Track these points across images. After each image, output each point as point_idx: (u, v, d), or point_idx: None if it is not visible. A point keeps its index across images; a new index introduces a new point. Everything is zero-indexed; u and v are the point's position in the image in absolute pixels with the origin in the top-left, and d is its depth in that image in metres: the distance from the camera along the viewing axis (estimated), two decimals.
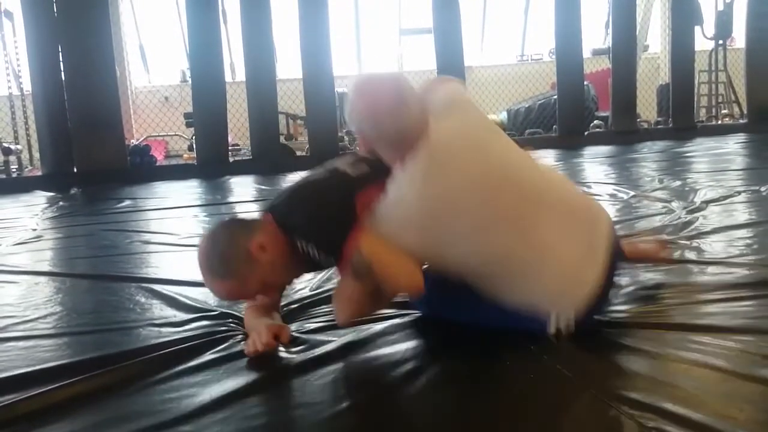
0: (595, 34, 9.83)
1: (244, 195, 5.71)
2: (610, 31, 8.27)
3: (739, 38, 9.23)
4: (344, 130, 8.63)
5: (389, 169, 1.88)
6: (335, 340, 1.98)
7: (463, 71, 8.09)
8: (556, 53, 8.22)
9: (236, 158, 8.17)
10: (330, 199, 1.92)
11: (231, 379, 1.83)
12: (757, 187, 4.11)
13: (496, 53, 11.46)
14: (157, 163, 7.97)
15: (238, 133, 8.50)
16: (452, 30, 7.95)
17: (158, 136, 9.04)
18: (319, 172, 2.06)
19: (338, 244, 1.83)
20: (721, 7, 8.90)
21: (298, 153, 8.24)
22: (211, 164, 7.25)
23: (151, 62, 10.61)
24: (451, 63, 7.94)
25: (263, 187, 6.14)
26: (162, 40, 10.44)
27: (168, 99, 9.63)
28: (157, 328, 2.26)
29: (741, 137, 7.67)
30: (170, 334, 2.20)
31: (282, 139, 9.01)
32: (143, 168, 7.39)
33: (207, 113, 7.33)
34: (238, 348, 2.03)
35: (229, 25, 8.90)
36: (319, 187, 1.99)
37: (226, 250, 1.90)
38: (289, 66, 8.61)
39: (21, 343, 2.17)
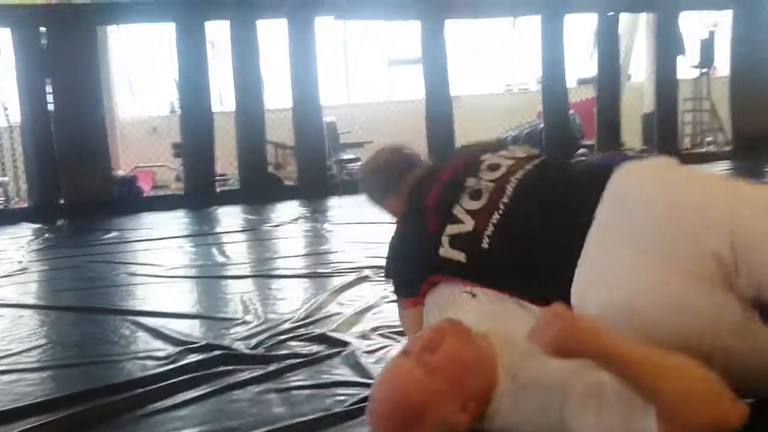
0: (581, 64, 9.94)
1: (232, 225, 5.69)
2: (594, 60, 8.39)
3: (720, 67, 9.36)
4: (333, 159, 8.65)
5: None
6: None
7: (450, 100, 8.15)
8: (542, 83, 8.31)
9: (224, 188, 8.16)
10: None
11: (217, 414, 1.82)
12: None
13: (483, 83, 11.56)
14: (144, 194, 7.95)
15: (226, 162, 8.47)
16: (439, 60, 8.02)
17: (146, 166, 9.03)
18: None
19: None
20: (705, 36, 9.04)
21: (287, 182, 8.23)
22: (198, 194, 7.23)
23: (140, 93, 10.64)
24: (439, 92, 8.01)
25: (251, 216, 6.13)
26: (151, 70, 10.47)
27: (156, 129, 9.62)
28: (141, 362, 2.25)
29: (726, 164, 7.74)
30: (155, 367, 2.18)
31: (270, 168, 9.01)
32: (130, 199, 7.37)
33: (195, 143, 7.33)
34: (224, 381, 2.02)
35: (218, 54, 8.95)
36: None
37: None
38: (277, 96, 8.64)
39: (4, 377, 2.15)
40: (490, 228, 1.56)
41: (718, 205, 1.30)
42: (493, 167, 1.71)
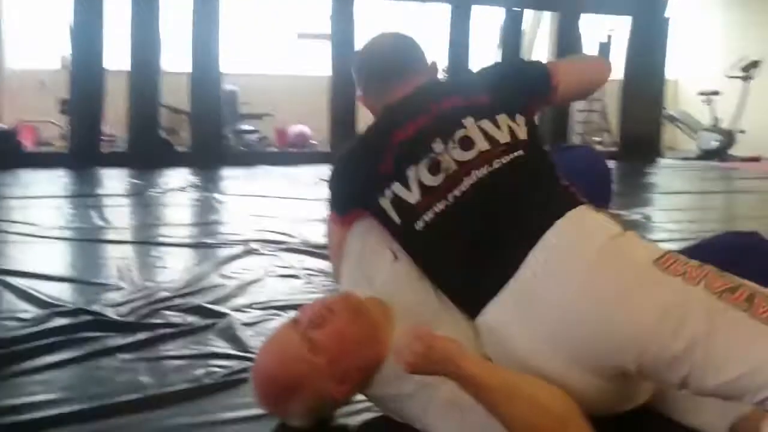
0: (486, 58, 10.10)
1: (116, 188, 5.48)
2: (499, 55, 8.53)
3: (615, 70, 9.72)
4: (230, 129, 8.45)
5: None
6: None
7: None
8: (448, 71, 8.40)
9: (111, 149, 7.84)
10: None
11: (81, 380, 1.74)
12: (624, 212, 4.31)
13: None
14: (26, 150, 7.52)
15: (115, 123, 8.13)
16: (348, 37, 7.97)
17: (30, 121, 8.54)
18: None
19: None
20: (604, 40, 9.36)
21: (179, 148, 7.99)
22: (83, 154, 6.91)
23: (31, 45, 10.04)
24: (346, 70, 7.95)
25: (137, 181, 5.90)
26: (44, 22, 9.90)
27: (44, 83, 9.11)
28: (4, 322, 2.13)
29: (611, 164, 8.06)
30: (18, 328, 2.07)
31: (163, 133, 8.71)
32: (8, 153, 6.95)
33: (83, 99, 6.99)
34: (91, 348, 1.93)
35: (116, 12, 8.56)
36: None
37: None
38: (177, 58, 8.35)
39: None
40: (430, 215, 1.42)
41: (636, 325, 1.21)
42: (466, 144, 1.45)
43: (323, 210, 4.54)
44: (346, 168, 1.65)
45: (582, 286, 1.25)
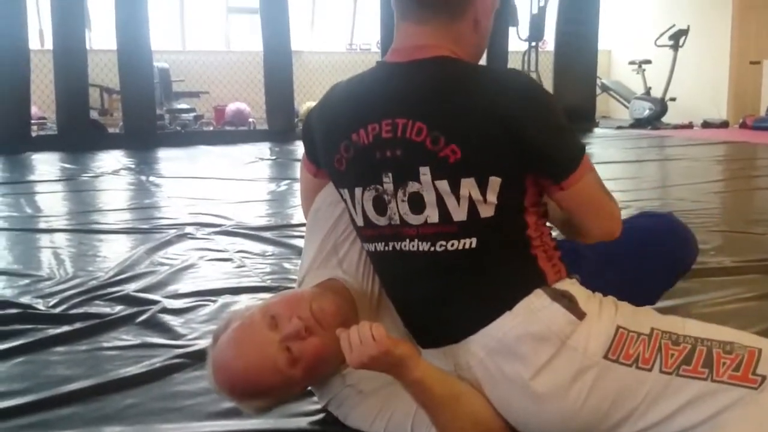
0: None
1: (46, 174, 5.32)
2: None
3: (549, 41, 9.82)
4: (164, 109, 8.28)
5: None
6: None
7: (291, 55, 8.02)
8: (382, 46, 8.36)
9: (41, 133, 7.61)
10: None
11: (15, 373, 1.70)
12: None
13: (325, 40, 11.44)
14: None
15: (43, 105, 7.90)
16: (279, 12, 7.84)
17: None
18: None
19: None
20: (535, 11, 9.44)
21: (112, 130, 7.80)
22: (11, 139, 6.67)
23: None
24: (278, 45, 7.83)
25: (68, 165, 5.75)
26: None
27: None
28: None
29: None
30: None
31: (96, 114, 8.49)
32: None
33: (9, 82, 6.74)
34: (15, 341, 1.88)
35: None
36: None
37: None
38: (105, 36, 8.11)
39: None
40: (372, 248, 1.34)
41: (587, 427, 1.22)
42: (415, 204, 1.24)
43: (260, 190, 4.55)
44: (312, 127, 1.42)
45: (527, 414, 1.24)
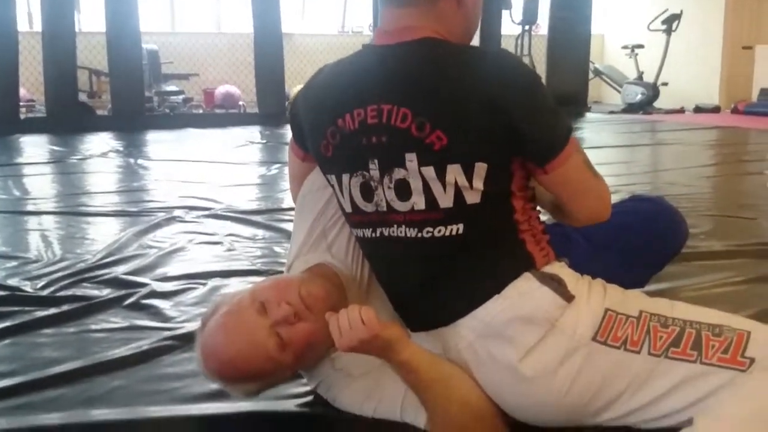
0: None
1: (35, 156, 5.28)
2: None
3: (543, 25, 9.79)
4: (153, 91, 8.22)
5: None
6: None
7: (281, 37, 7.97)
8: (374, 29, 8.32)
9: (29, 115, 7.55)
10: None
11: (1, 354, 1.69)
12: None
13: (317, 23, 11.38)
14: None
15: (32, 87, 7.83)
16: None
17: None
18: None
19: None
20: None
21: (101, 112, 7.74)
22: (0, 121, 6.63)
23: None
24: (268, 27, 7.78)
25: (57, 147, 5.71)
26: None
27: None
28: None
29: None
30: None
31: (85, 96, 8.43)
32: None
33: None
34: (1, 324, 1.87)
35: None
36: None
37: None
38: (94, 18, 8.03)
39: None
40: (360, 233, 1.33)
41: (574, 414, 1.23)
42: (402, 191, 1.23)
43: (251, 174, 4.52)
44: (299, 112, 1.39)
45: (515, 396, 1.24)
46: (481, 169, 1.18)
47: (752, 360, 1.14)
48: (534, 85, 1.20)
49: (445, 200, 1.20)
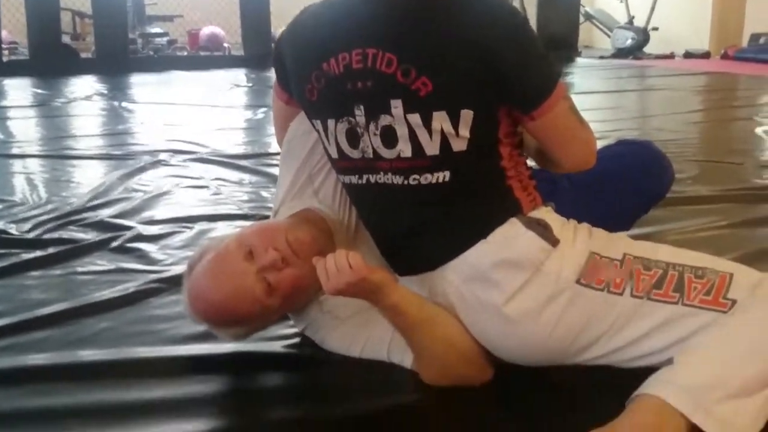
0: None
1: (19, 99, 5.22)
2: None
3: None
4: (137, 33, 8.07)
5: None
6: None
7: None
8: None
9: (12, 58, 7.42)
10: None
11: None
12: None
13: None
14: None
15: (14, 30, 7.67)
16: None
17: None
18: None
19: None
20: None
21: (84, 55, 7.60)
22: None
23: None
24: None
25: (41, 90, 5.63)
26: None
27: None
28: None
29: None
30: None
31: (68, 38, 8.28)
32: None
33: None
34: None
35: None
36: None
37: None
38: None
39: None
40: (346, 180, 1.33)
41: (557, 354, 1.25)
42: (388, 138, 1.21)
43: (237, 118, 4.48)
44: (283, 54, 1.35)
45: (500, 338, 1.25)
46: (467, 116, 1.16)
47: (734, 301, 1.16)
48: (522, 29, 1.18)
49: (432, 147, 1.19)
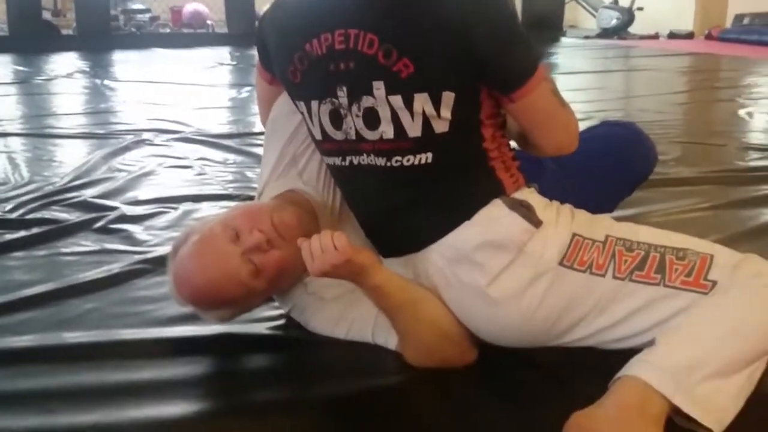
0: None
1: None
2: None
3: None
4: (119, 9, 7.97)
5: None
6: None
7: None
8: None
9: None
10: None
11: None
12: None
13: None
14: None
15: None
16: None
17: None
18: None
19: None
20: None
21: (65, 31, 7.51)
22: None
23: None
24: None
25: (21, 68, 5.56)
26: None
27: None
28: None
29: None
30: None
31: (49, 14, 8.16)
32: None
33: None
34: None
35: None
36: None
37: None
38: None
39: None
40: (330, 161, 1.33)
41: (542, 336, 1.26)
42: (370, 120, 1.20)
43: (221, 97, 4.45)
44: (265, 34, 1.34)
45: (483, 319, 1.26)
46: (448, 98, 1.16)
47: (714, 283, 1.17)
48: (502, 10, 1.18)
49: (414, 129, 1.19)
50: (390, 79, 1.16)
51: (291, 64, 1.26)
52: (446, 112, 1.17)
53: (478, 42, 1.13)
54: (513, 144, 1.33)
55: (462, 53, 1.14)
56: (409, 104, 1.17)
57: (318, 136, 1.31)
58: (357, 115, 1.22)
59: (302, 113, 1.33)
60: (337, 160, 1.30)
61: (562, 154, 1.31)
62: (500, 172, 1.25)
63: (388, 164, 1.23)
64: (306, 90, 1.28)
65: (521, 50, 1.19)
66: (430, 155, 1.21)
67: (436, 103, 1.17)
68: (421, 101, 1.16)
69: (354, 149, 1.26)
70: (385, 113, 1.19)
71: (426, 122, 1.18)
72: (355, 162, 1.27)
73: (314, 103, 1.26)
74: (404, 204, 1.27)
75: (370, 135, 1.22)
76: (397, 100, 1.17)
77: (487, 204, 1.23)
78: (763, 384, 1.15)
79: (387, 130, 1.20)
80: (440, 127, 1.19)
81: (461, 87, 1.17)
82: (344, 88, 1.21)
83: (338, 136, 1.26)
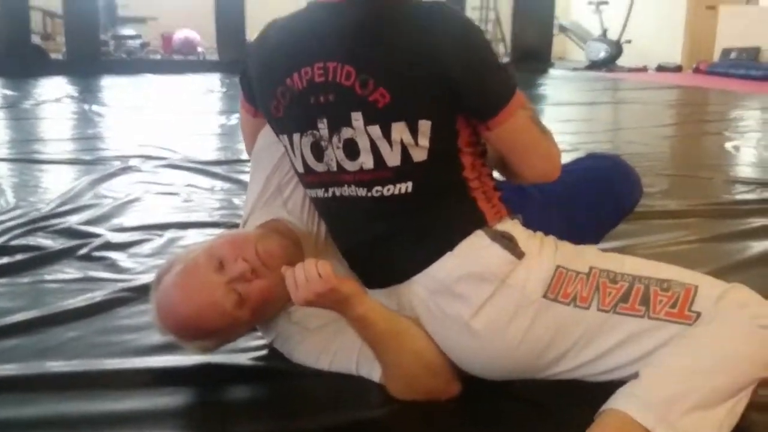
0: None
1: None
2: None
3: None
4: (109, 34, 7.99)
5: None
6: None
7: None
8: None
9: None
10: None
11: None
12: None
13: None
14: None
15: None
16: None
17: None
18: None
19: None
20: None
21: (54, 56, 7.51)
22: None
23: None
24: None
25: (9, 92, 5.55)
26: None
27: None
28: None
29: None
30: None
31: (38, 38, 8.17)
32: None
33: None
34: None
35: None
36: None
37: None
38: None
39: None
40: (312, 194, 1.33)
41: (527, 368, 1.25)
42: (350, 150, 1.21)
43: (210, 124, 4.46)
44: (249, 69, 1.36)
45: (467, 351, 1.25)
46: (424, 126, 1.17)
47: (698, 314, 1.17)
48: (475, 39, 1.19)
49: (393, 159, 1.19)
50: (367, 109, 1.17)
51: (274, 99, 1.27)
52: (424, 141, 1.18)
53: (452, 70, 1.15)
54: (496, 175, 1.33)
55: (436, 82, 1.15)
56: (387, 134, 1.18)
57: (300, 169, 1.31)
58: (338, 147, 1.22)
59: (285, 146, 1.33)
60: (320, 192, 1.30)
61: (544, 182, 1.32)
62: (481, 202, 1.25)
63: (369, 194, 1.23)
64: (288, 124, 1.28)
65: (496, 79, 1.19)
66: (410, 184, 1.21)
67: (414, 132, 1.17)
68: (399, 130, 1.17)
69: (335, 181, 1.26)
70: (364, 143, 1.19)
71: (405, 151, 1.19)
72: (338, 193, 1.27)
73: (296, 136, 1.27)
74: (386, 235, 1.27)
75: (350, 166, 1.22)
76: (375, 130, 1.18)
77: (469, 235, 1.23)
78: (746, 416, 1.15)
79: (367, 161, 1.21)
80: (419, 155, 1.19)
81: (437, 115, 1.18)
82: (324, 120, 1.22)
83: (320, 168, 1.26)
